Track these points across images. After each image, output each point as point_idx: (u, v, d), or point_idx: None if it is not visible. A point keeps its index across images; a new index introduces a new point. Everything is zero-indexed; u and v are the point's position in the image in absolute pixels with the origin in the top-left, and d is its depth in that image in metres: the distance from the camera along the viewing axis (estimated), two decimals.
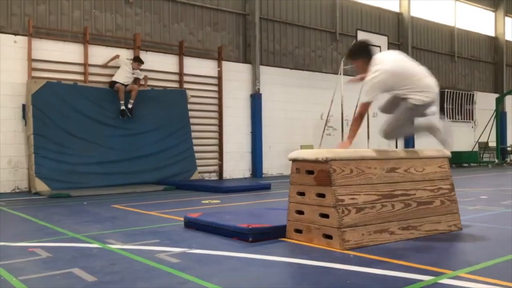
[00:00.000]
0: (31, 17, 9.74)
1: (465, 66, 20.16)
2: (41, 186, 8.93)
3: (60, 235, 4.65)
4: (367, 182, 4.03)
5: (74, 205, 7.15)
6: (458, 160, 17.79)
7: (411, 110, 4.25)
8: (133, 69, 10.41)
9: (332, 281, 2.95)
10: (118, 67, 10.42)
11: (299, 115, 14.16)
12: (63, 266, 3.36)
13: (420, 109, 4.26)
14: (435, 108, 4.33)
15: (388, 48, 14.06)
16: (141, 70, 10.68)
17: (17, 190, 9.42)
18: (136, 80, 10.60)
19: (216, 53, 12.50)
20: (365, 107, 4.22)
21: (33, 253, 3.80)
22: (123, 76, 10.24)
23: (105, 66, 10.41)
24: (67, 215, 6.05)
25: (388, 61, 4.20)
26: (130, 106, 10.23)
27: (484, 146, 19.11)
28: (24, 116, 9.43)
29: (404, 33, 17.38)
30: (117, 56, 10.42)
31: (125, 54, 10.76)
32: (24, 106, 9.43)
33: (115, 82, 10.15)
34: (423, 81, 4.21)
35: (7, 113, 9.37)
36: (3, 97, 9.33)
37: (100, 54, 10.47)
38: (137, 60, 10.52)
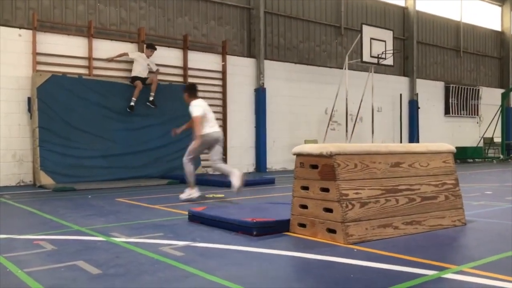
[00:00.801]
0: (35, 10, 9.75)
1: (471, 61, 20.06)
2: (45, 179, 8.97)
3: (64, 228, 4.67)
4: (371, 176, 4.02)
5: (79, 198, 7.18)
6: (463, 155, 17.73)
7: (200, 140, 6.62)
8: (147, 56, 10.42)
9: (336, 275, 2.95)
10: (124, 61, 10.45)
11: (303, 110, 14.14)
12: (67, 258, 3.38)
13: (204, 142, 6.68)
14: (217, 149, 6.77)
15: (393, 42, 14.00)
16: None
17: (21, 184, 9.47)
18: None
19: (220, 47, 12.48)
20: (198, 118, 6.57)
21: (38, 245, 3.82)
22: (140, 69, 10.32)
23: (110, 61, 10.41)
24: (71, 209, 6.08)
25: (199, 101, 6.82)
26: (151, 98, 10.40)
27: (489, 142, 19.04)
28: (29, 110, 9.46)
29: (410, 28, 17.29)
30: (124, 54, 10.42)
31: (130, 48, 10.77)
32: (29, 100, 9.46)
33: (135, 78, 10.30)
34: (210, 123, 6.73)
35: (12, 106, 9.40)
36: (8, 91, 9.36)
37: (104, 48, 10.48)
38: (150, 47, 10.52)
